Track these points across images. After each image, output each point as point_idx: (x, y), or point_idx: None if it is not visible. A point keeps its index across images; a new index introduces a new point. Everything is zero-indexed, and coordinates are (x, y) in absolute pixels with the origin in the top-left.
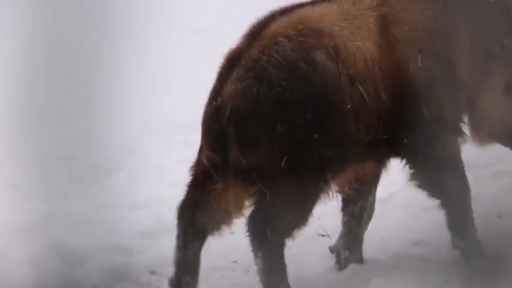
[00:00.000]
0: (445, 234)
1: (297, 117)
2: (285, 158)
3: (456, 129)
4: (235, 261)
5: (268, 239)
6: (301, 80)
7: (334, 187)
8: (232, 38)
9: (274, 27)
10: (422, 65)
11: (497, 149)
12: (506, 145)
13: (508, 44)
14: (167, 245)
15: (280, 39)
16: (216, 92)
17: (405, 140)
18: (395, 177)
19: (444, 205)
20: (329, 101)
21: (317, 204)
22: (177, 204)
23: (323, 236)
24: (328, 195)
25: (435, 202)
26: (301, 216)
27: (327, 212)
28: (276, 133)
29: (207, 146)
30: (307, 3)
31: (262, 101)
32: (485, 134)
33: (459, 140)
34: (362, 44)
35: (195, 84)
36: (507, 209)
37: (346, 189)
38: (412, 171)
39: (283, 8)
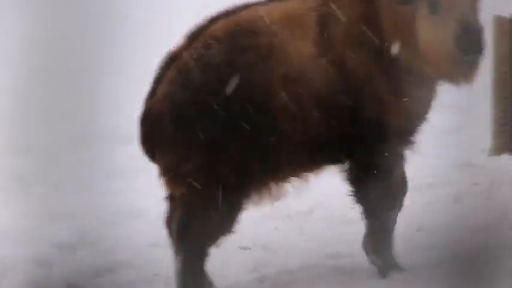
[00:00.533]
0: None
1: (219, 121)
2: (207, 162)
3: (400, 134)
4: (156, 274)
5: (189, 243)
6: (224, 84)
7: (268, 193)
8: None
9: (212, 29)
10: (359, 60)
11: (418, 164)
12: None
13: None
14: (87, 257)
15: (211, 41)
16: (150, 95)
17: (345, 141)
18: (315, 189)
19: (367, 216)
20: (255, 103)
21: (242, 211)
22: None
23: (244, 248)
24: (260, 202)
25: (356, 214)
26: (224, 223)
27: (249, 224)
28: (197, 137)
29: (140, 146)
30: (255, 4)
31: (185, 106)
32: (437, 66)
33: (403, 149)
34: (300, 43)
35: None
36: (427, 223)
37: (284, 194)
38: (345, 173)
39: (229, 10)
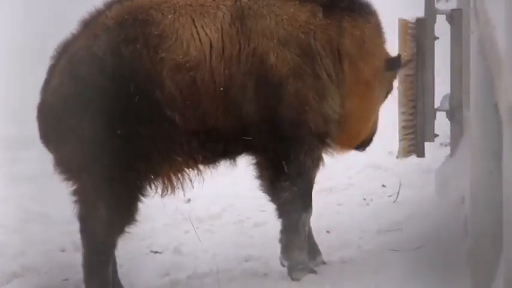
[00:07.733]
0: (275, 250)
1: (103, 112)
2: (96, 156)
3: (318, 137)
4: (65, 279)
5: (89, 237)
6: (108, 75)
7: (161, 183)
8: None
9: (104, 16)
10: (283, 57)
11: (327, 166)
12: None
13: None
14: None
15: (99, 32)
16: (44, 86)
17: (258, 137)
18: (226, 192)
19: (279, 215)
20: (141, 94)
21: (138, 201)
22: None
23: (155, 252)
24: (155, 191)
25: (266, 217)
26: (122, 213)
27: (160, 228)
28: (84, 129)
29: (40, 140)
30: None
31: (71, 98)
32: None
33: (322, 150)
34: (201, 31)
35: None
36: (337, 225)
37: (180, 185)
38: (258, 168)
39: None
